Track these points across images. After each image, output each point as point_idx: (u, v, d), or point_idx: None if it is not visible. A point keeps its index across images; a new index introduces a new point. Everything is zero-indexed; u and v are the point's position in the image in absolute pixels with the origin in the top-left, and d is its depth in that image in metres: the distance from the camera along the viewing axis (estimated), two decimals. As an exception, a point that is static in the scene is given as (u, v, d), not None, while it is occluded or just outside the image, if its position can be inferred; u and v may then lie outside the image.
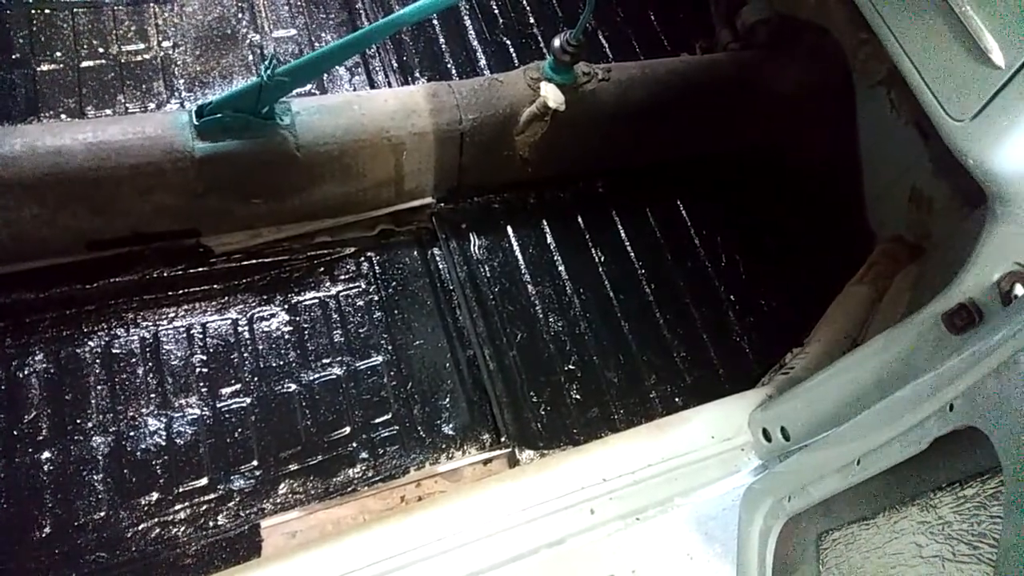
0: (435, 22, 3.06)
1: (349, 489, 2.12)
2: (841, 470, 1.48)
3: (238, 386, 2.21)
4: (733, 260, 2.80)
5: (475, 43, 3.06)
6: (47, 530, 1.93)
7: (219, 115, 2.12)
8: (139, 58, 2.66)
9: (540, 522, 1.83)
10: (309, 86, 2.74)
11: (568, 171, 2.80)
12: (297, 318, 2.34)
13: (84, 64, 2.59)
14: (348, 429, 2.21)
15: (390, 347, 2.36)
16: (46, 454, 2.02)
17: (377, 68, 2.88)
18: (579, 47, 2.37)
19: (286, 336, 2.31)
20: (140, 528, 1.97)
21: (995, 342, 1.14)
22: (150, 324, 2.24)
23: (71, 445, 2.04)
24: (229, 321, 2.29)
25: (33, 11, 2.63)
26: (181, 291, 2.31)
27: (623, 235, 2.76)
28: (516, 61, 3.02)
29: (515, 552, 1.78)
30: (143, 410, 2.12)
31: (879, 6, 1.59)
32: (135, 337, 2.21)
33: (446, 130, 2.43)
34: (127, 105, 2.56)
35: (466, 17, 3.12)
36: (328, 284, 2.42)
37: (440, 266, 2.55)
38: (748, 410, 2.08)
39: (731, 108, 2.90)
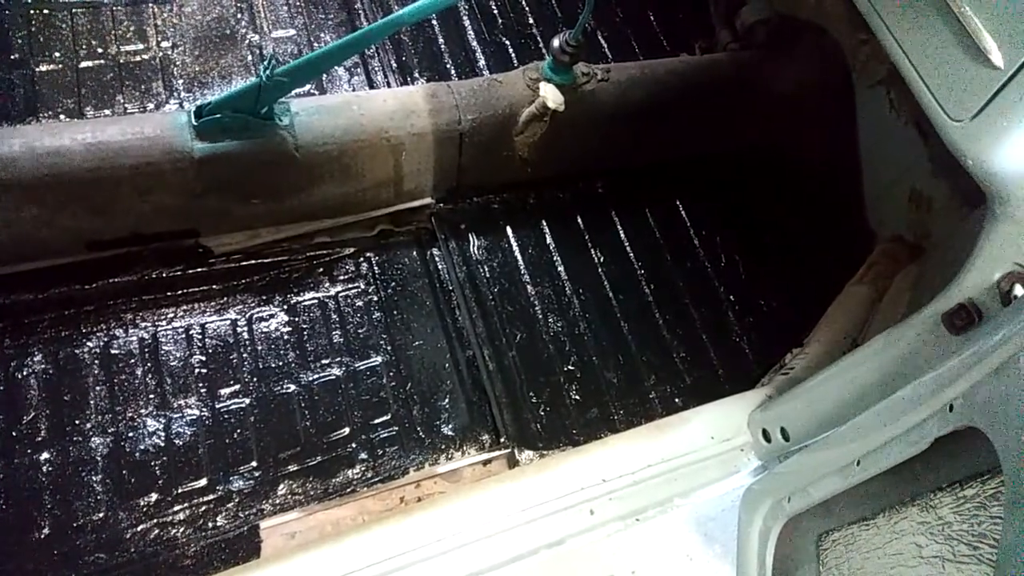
0: (434, 22, 3.06)
1: (348, 490, 2.12)
2: (841, 471, 1.48)
3: (237, 387, 2.20)
4: (733, 260, 2.80)
5: (474, 43, 3.06)
6: (46, 531, 1.93)
7: (218, 115, 2.12)
8: (138, 58, 2.66)
9: (540, 523, 1.83)
10: (308, 86, 2.74)
11: (567, 171, 2.80)
12: (296, 318, 2.34)
13: (83, 64, 2.59)
14: (347, 430, 2.21)
15: (389, 348, 2.36)
16: (45, 455, 2.01)
17: (376, 68, 2.88)
18: (578, 47, 2.37)
19: (285, 337, 2.31)
20: (139, 529, 1.97)
21: (995, 342, 1.13)
22: (149, 325, 2.24)
23: (70, 446, 2.04)
24: (228, 322, 2.29)
25: (32, 11, 2.63)
26: (180, 291, 2.31)
27: (622, 235, 2.75)
28: (515, 61, 3.02)
29: (515, 553, 1.78)
30: (142, 411, 2.12)
31: (878, 6, 1.59)
32: (134, 338, 2.21)
33: (445, 130, 2.43)
34: (126, 105, 2.56)
35: (465, 17, 3.12)
36: (327, 284, 2.42)
37: (439, 266, 2.55)
38: (748, 411, 2.08)
39: (731, 108, 2.90)
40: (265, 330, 2.30)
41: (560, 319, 2.52)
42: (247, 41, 2.81)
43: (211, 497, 2.05)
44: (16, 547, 1.90)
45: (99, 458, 2.04)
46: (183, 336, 2.24)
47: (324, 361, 2.30)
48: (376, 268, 2.49)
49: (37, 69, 2.54)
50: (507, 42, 3.10)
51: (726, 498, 1.92)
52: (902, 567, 1.34)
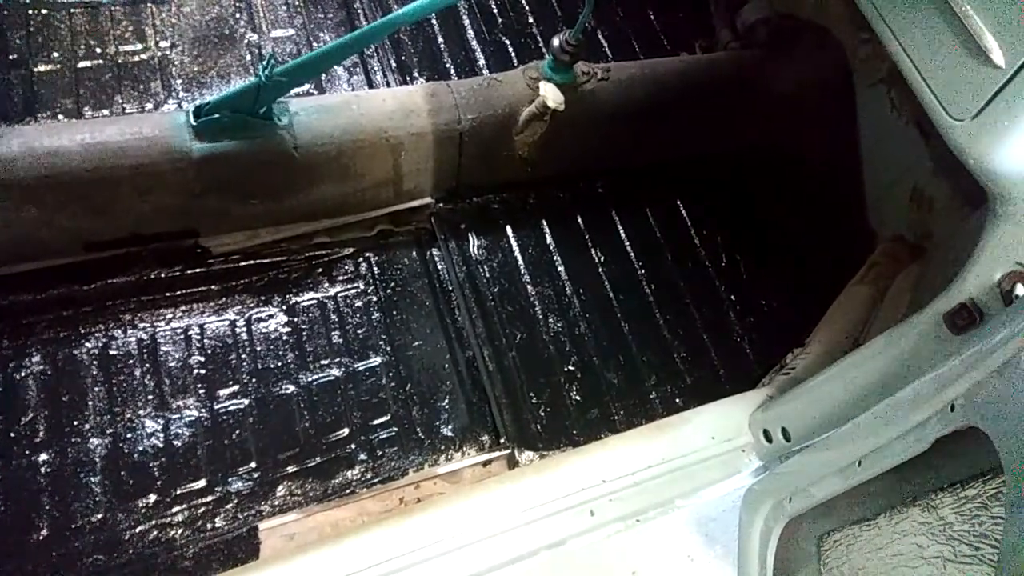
0: (434, 21, 3.06)
1: (348, 491, 2.12)
2: (842, 471, 1.48)
3: (236, 387, 2.20)
4: (733, 260, 2.80)
5: (474, 43, 3.06)
6: (44, 532, 1.92)
7: (217, 115, 2.12)
8: (136, 58, 2.65)
9: (540, 524, 1.83)
10: (307, 86, 2.73)
11: (567, 171, 2.79)
12: (295, 319, 2.34)
13: (81, 64, 2.58)
14: (347, 431, 2.20)
15: (389, 348, 2.35)
16: (43, 456, 2.01)
17: (375, 68, 2.87)
18: (578, 46, 2.37)
19: (284, 337, 2.31)
20: (138, 530, 1.97)
21: (996, 342, 1.13)
22: (148, 325, 2.24)
23: (68, 447, 2.03)
24: (227, 322, 2.29)
25: (30, 11, 2.62)
26: (179, 292, 2.31)
27: (623, 235, 2.75)
28: (515, 61, 3.02)
29: (515, 554, 1.78)
30: (141, 412, 2.11)
31: (879, 5, 1.59)
32: (133, 338, 2.21)
33: (445, 130, 2.43)
34: (124, 105, 2.55)
35: (465, 17, 3.12)
36: (326, 285, 2.42)
37: (439, 266, 2.54)
38: (749, 411, 2.08)
39: (731, 108, 2.90)
40: (264, 331, 2.30)
41: (560, 319, 2.52)
42: (246, 41, 2.81)
43: (210, 498, 2.04)
44: (15, 548, 1.89)
45: (98, 459, 2.03)
46: (182, 337, 2.24)
47: (323, 362, 2.29)
48: (375, 268, 2.48)
49: (35, 69, 2.53)
50: (507, 41, 3.09)
51: (727, 499, 1.92)
52: (903, 567, 1.34)
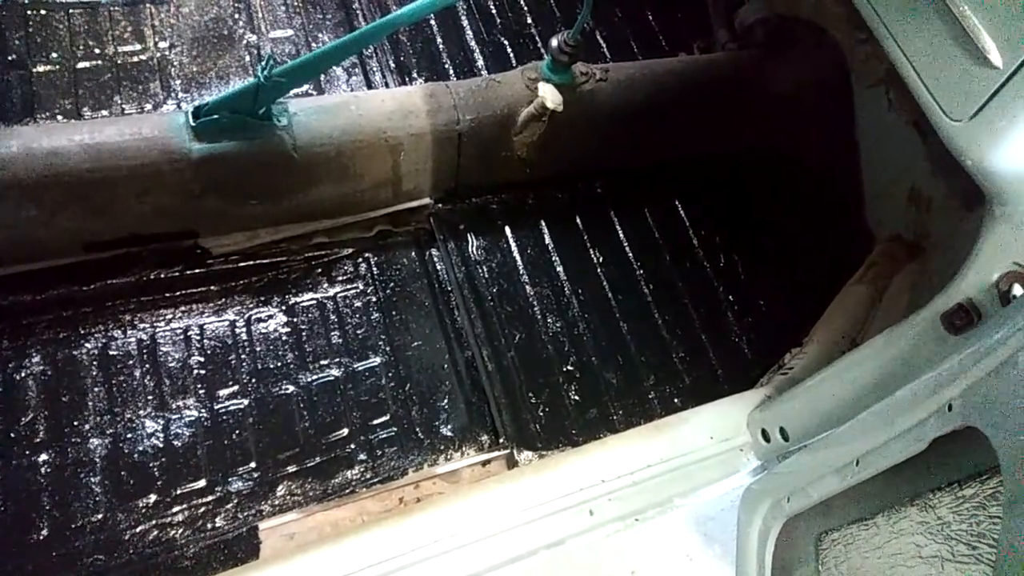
0: (432, 22, 3.06)
1: (347, 491, 2.12)
2: (840, 470, 1.48)
3: (236, 388, 2.20)
4: (732, 260, 2.80)
5: (472, 43, 3.06)
6: (44, 532, 1.92)
7: (216, 116, 2.12)
8: (135, 59, 2.65)
9: (539, 523, 1.84)
10: (306, 87, 2.73)
11: (566, 171, 2.79)
12: (295, 319, 2.34)
13: (80, 65, 2.58)
14: (346, 431, 2.20)
15: (388, 348, 2.36)
16: (43, 456, 2.01)
17: (374, 68, 2.88)
18: (577, 47, 2.37)
19: (284, 337, 2.31)
20: (138, 530, 1.97)
21: (994, 342, 1.14)
22: (147, 326, 2.24)
23: (68, 447, 2.03)
24: (227, 322, 2.29)
25: (29, 12, 2.62)
26: (178, 292, 2.31)
27: (621, 235, 2.75)
28: (514, 61, 3.02)
29: (514, 553, 1.78)
30: (141, 412, 2.11)
31: (877, 6, 1.59)
32: (132, 339, 2.21)
33: (444, 131, 2.43)
34: (123, 106, 2.55)
35: (463, 17, 3.12)
36: (326, 285, 2.42)
37: (438, 267, 2.54)
38: (747, 411, 2.08)
39: (729, 108, 2.90)
40: (264, 331, 2.30)
41: (559, 319, 2.52)
42: (245, 41, 2.81)
43: (210, 498, 2.04)
44: (15, 548, 1.89)
45: (98, 459, 2.03)
46: (181, 337, 2.24)
47: (323, 362, 2.29)
48: (375, 269, 2.49)
49: (34, 70, 2.53)
50: (505, 42, 3.10)
51: (725, 498, 1.93)
52: (901, 567, 1.34)
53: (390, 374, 2.31)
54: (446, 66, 2.97)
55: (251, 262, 2.40)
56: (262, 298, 2.35)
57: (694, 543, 1.88)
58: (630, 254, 2.72)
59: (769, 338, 2.60)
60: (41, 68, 2.54)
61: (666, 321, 2.61)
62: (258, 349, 2.27)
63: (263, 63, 2.01)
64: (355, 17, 3.00)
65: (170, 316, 2.27)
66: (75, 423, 2.07)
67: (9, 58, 2.53)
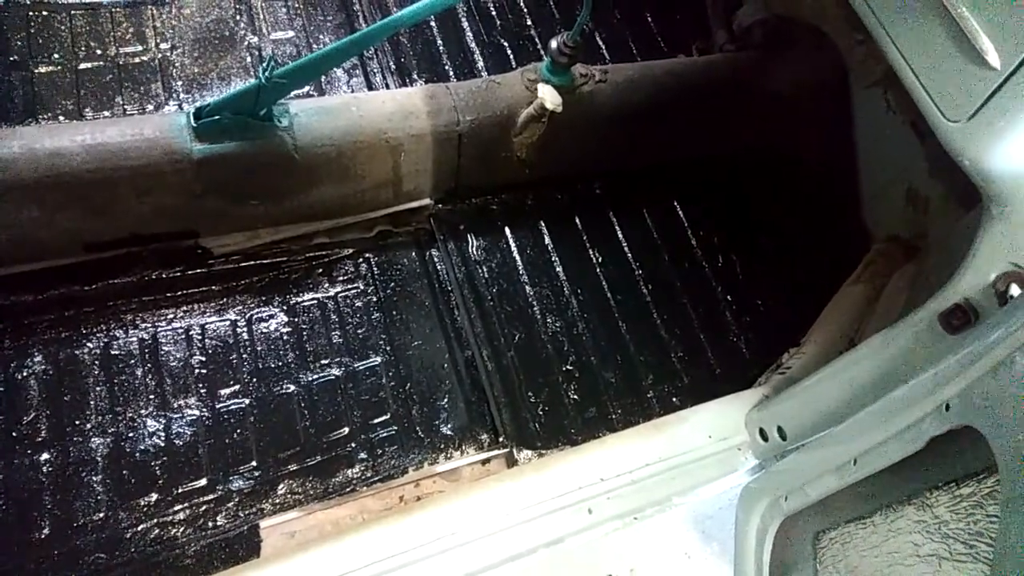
0: (432, 24, 3.06)
1: (348, 489, 2.12)
2: (838, 469, 1.49)
3: (237, 387, 2.21)
4: (730, 260, 2.81)
5: (472, 45, 3.07)
6: (46, 531, 1.93)
7: (217, 117, 2.13)
8: (137, 60, 2.66)
9: (538, 522, 1.84)
10: (307, 88, 2.74)
11: (566, 172, 2.80)
12: (296, 319, 2.35)
13: (82, 66, 2.59)
14: (347, 430, 2.21)
15: (388, 348, 2.36)
16: (45, 455, 2.02)
17: (375, 70, 2.88)
18: (576, 49, 2.38)
19: (285, 337, 2.31)
20: (139, 529, 1.98)
21: (991, 342, 1.14)
22: (149, 325, 2.24)
23: (70, 446, 2.04)
24: (228, 322, 2.30)
25: (31, 13, 2.63)
26: (180, 292, 2.31)
27: (620, 236, 2.76)
28: (513, 63, 3.03)
29: (513, 552, 1.79)
30: (142, 411, 2.12)
31: (875, 7, 1.60)
32: (134, 338, 2.22)
33: (444, 131, 2.44)
34: (125, 107, 2.56)
35: (463, 19, 3.13)
36: (326, 285, 2.43)
37: (438, 267, 2.55)
38: (745, 410, 2.09)
39: (728, 109, 2.91)
40: (264, 330, 2.31)
41: (558, 319, 2.53)
42: (246, 43, 2.82)
43: (211, 497, 2.05)
44: (16, 547, 1.90)
45: (99, 458, 2.04)
46: (183, 337, 2.25)
47: (323, 361, 2.30)
48: (375, 269, 2.49)
49: (36, 71, 2.54)
50: (505, 43, 3.10)
51: (723, 497, 1.93)
52: (899, 565, 1.35)
53: (390, 373, 2.32)
54: (446, 67, 2.98)
55: (252, 262, 2.41)
56: (263, 298, 2.36)
57: (692, 541, 1.89)
58: (629, 254, 2.73)
59: (767, 338, 2.61)
60: (43, 69, 2.55)
61: (665, 321, 2.61)
62: (259, 349, 2.27)
63: (264, 64, 2.01)
64: (356, 19, 3.01)
65: (171, 316, 2.27)
66: (76, 422, 2.07)
67: (11, 59, 2.53)
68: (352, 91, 2.81)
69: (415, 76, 2.92)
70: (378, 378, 2.31)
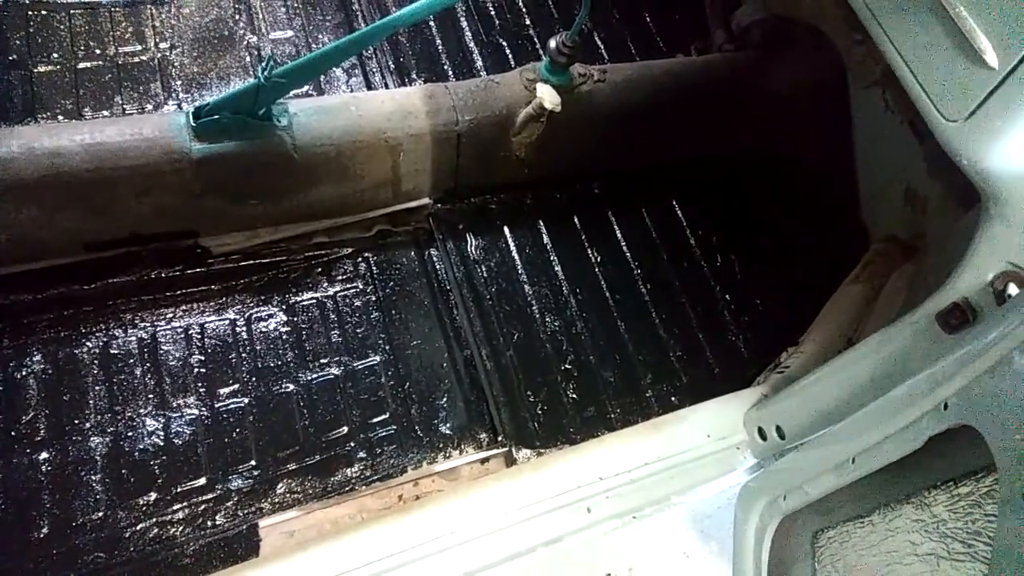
0: (431, 24, 3.07)
1: (347, 488, 2.13)
2: (836, 468, 1.49)
3: (236, 386, 2.21)
4: (728, 260, 2.81)
5: (471, 44, 3.07)
6: (45, 530, 1.93)
7: (216, 116, 2.13)
8: (136, 59, 2.66)
9: (537, 521, 1.84)
10: (306, 87, 2.74)
11: (564, 172, 2.80)
12: (295, 318, 2.35)
13: (81, 65, 2.59)
14: (346, 429, 2.21)
15: (387, 347, 2.37)
16: (44, 455, 2.02)
17: (374, 69, 2.89)
18: (575, 48, 2.38)
19: (284, 336, 2.32)
20: (138, 528, 1.98)
21: (989, 341, 1.14)
22: (148, 325, 2.25)
23: (69, 445, 2.04)
24: (227, 321, 2.30)
25: (30, 12, 2.63)
26: (179, 292, 2.31)
27: (619, 235, 2.76)
28: (512, 62, 3.03)
29: (512, 551, 1.79)
30: (141, 410, 2.12)
31: (873, 7, 1.60)
32: (133, 338, 2.22)
33: (443, 131, 2.44)
34: (124, 106, 2.56)
35: (462, 18, 3.13)
36: (326, 284, 2.43)
37: (437, 266, 2.55)
38: (744, 409, 2.09)
39: (726, 109, 2.91)
40: (264, 330, 2.31)
41: (557, 318, 2.53)
42: (245, 42, 2.82)
43: (210, 496, 2.05)
44: (15, 546, 1.90)
45: (98, 457, 2.04)
46: (182, 336, 2.25)
47: (323, 360, 2.30)
48: (374, 268, 2.49)
49: (35, 70, 2.54)
50: (504, 43, 3.10)
51: (722, 496, 1.93)
52: (897, 564, 1.35)
53: (389, 373, 2.32)
54: (445, 67, 2.98)
55: (251, 261, 2.41)
56: (262, 297, 2.36)
57: (691, 540, 1.89)
58: (628, 254, 2.73)
59: (766, 337, 2.61)
60: (42, 68, 2.55)
61: (663, 320, 2.62)
62: (258, 348, 2.28)
63: (263, 64, 2.02)
64: (355, 18, 3.01)
65: (170, 315, 2.28)
66: (76, 421, 2.07)
67: (10, 58, 2.53)
68: (351, 91, 2.82)
69: (414, 76, 2.92)
70: (377, 377, 2.31)
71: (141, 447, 2.07)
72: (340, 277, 2.45)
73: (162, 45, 2.71)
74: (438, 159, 2.50)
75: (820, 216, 2.89)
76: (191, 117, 2.14)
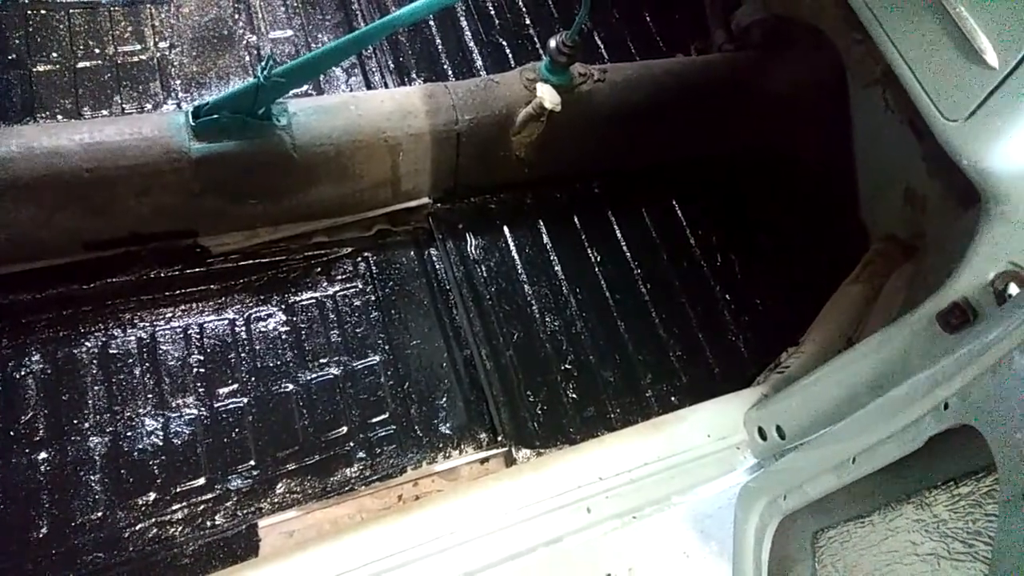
0: (431, 23, 3.06)
1: (347, 488, 2.12)
2: (836, 468, 1.49)
3: (235, 386, 2.21)
4: (728, 260, 2.81)
5: (471, 44, 3.07)
6: (44, 531, 1.93)
7: (216, 116, 2.13)
8: (135, 59, 2.66)
9: (537, 521, 1.84)
10: (306, 87, 2.74)
11: (564, 172, 2.80)
12: (294, 318, 2.35)
13: (80, 65, 2.59)
14: (345, 429, 2.21)
15: (387, 347, 2.36)
16: (43, 455, 2.02)
17: (373, 69, 2.88)
18: (575, 48, 2.38)
19: (283, 336, 2.31)
20: (138, 528, 1.98)
21: (989, 341, 1.14)
22: (147, 324, 2.24)
23: (68, 445, 2.04)
24: (226, 321, 2.30)
25: (29, 11, 2.63)
26: (178, 291, 2.31)
27: (619, 235, 2.76)
28: (512, 62, 3.03)
29: (512, 551, 1.79)
30: (140, 410, 2.12)
31: (873, 7, 1.60)
32: (132, 337, 2.22)
33: (443, 131, 2.44)
34: (123, 106, 2.56)
35: (462, 18, 3.13)
36: (325, 284, 2.43)
37: (437, 266, 2.55)
38: (744, 409, 2.09)
39: (726, 109, 2.91)
40: (263, 329, 2.31)
41: (557, 318, 2.53)
42: (245, 42, 2.82)
43: (209, 496, 2.05)
44: (14, 546, 1.90)
45: (97, 457, 2.04)
46: (181, 336, 2.25)
47: (322, 360, 2.30)
48: (374, 268, 2.49)
49: (34, 69, 2.54)
50: (504, 43, 3.10)
51: (722, 496, 1.93)
52: (897, 564, 1.35)
53: (389, 372, 2.32)
54: (445, 67, 2.98)
55: (251, 261, 2.41)
56: (261, 297, 2.36)
57: (691, 540, 1.89)
58: (628, 254, 2.73)
59: (766, 337, 2.61)
60: (41, 68, 2.55)
61: (663, 320, 2.61)
62: (257, 348, 2.27)
63: (263, 63, 2.02)
64: (354, 18, 3.01)
65: (170, 315, 2.27)
66: (75, 421, 2.07)
67: (9, 58, 2.53)
68: (351, 90, 2.82)
69: (414, 75, 2.92)
70: (377, 377, 2.31)
71: (140, 447, 2.07)
72: (339, 277, 2.45)
73: (161, 44, 2.71)
74: (438, 159, 2.49)
75: (820, 216, 2.89)
76: (190, 116, 2.14)
